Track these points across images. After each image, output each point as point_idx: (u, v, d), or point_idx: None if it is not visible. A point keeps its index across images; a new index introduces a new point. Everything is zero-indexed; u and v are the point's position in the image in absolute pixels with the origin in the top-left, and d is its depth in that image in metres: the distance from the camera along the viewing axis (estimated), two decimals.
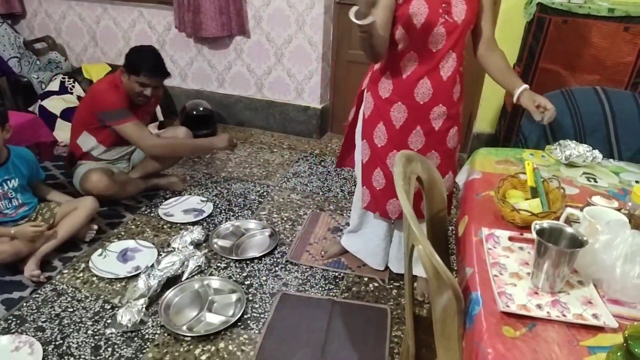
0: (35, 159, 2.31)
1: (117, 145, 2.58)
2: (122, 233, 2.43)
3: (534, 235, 0.99)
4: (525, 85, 1.63)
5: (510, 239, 1.12)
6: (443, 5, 1.55)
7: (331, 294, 2.08)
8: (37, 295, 1.99)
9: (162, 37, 3.75)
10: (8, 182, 2.11)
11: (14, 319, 1.86)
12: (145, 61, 2.35)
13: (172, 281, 2.05)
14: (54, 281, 2.07)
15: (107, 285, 2.06)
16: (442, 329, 0.99)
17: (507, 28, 2.99)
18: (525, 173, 1.33)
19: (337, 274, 2.21)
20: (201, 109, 3.58)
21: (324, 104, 3.65)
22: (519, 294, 0.95)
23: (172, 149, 2.60)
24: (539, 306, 0.92)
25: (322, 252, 2.31)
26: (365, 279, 2.18)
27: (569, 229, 0.99)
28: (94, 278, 2.09)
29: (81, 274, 2.12)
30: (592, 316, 0.90)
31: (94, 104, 2.44)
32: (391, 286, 2.14)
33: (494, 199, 1.22)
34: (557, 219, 1.12)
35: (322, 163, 3.31)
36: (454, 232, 2.44)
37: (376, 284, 2.15)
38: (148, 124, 2.74)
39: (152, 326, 1.85)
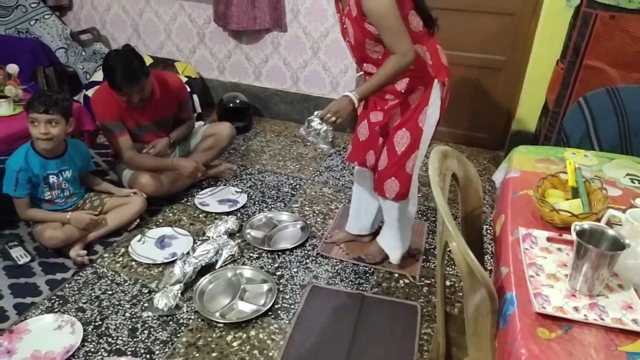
0: (89, 152, 2.41)
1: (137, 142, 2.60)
2: (160, 220, 2.50)
3: (573, 237, 0.97)
4: (350, 93, 1.72)
5: (549, 239, 1.10)
6: (344, 25, 1.78)
7: (361, 288, 2.09)
8: (79, 277, 2.08)
9: (202, 30, 3.82)
10: (63, 172, 2.22)
11: (57, 299, 1.95)
12: (110, 76, 2.29)
13: (206, 269, 2.11)
14: (94, 264, 2.16)
15: (145, 270, 2.13)
16: (475, 327, 0.98)
17: (551, 23, 2.90)
18: (566, 172, 1.30)
19: (367, 268, 2.21)
20: (237, 101, 3.63)
21: None
22: (555, 296, 0.93)
23: (147, 166, 2.54)
24: (575, 309, 0.90)
25: (329, 235, 2.38)
26: (396, 275, 2.18)
27: (610, 231, 0.96)
28: (133, 263, 2.17)
29: (121, 259, 2.20)
30: (632, 321, 0.88)
31: (94, 113, 2.51)
32: (422, 283, 2.13)
33: (533, 198, 1.19)
34: (598, 220, 1.09)
35: None
36: (488, 231, 2.39)
37: (407, 281, 2.15)
38: (172, 116, 2.72)
39: (187, 311, 1.91)
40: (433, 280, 2.15)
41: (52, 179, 2.18)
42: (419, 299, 2.04)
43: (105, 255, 2.22)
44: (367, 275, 2.17)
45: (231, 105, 3.61)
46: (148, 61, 3.70)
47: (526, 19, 3.07)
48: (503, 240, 1.12)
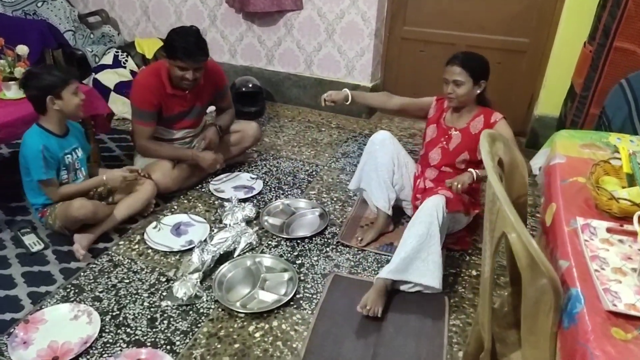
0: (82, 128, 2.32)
1: (165, 127, 2.52)
2: (175, 207, 2.43)
3: (636, 227, 0.89)
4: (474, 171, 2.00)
5: (609, 230, 1.02)
6: (448, 134, 2.15)
7: None
8: (94, 266, 2.01)
9: (213, 12, 3.71)
10: (76, 150, 2.14)
11: (72, 288, 1.89)
12: (180, 43, 2.22)
13: (224, 257, 2.04)
14: (110, 252, 2.10)
15: (161, 258, 2.07)
16: (532, 325, 0.91)
17: (577, 2, 2.78)
18: (618, 158, 1.21)
19: (389, 257, 2.13)
20: (250, 85, 3.55)
21: (374, 83, 3.54)
22: (625, 292, 0.85)
23: (162, 156, 2.47)
24: None
25: (359, 239, 2.21)
26: None
27: None
28: (149, 250, 2.11)
29: (137, 246, 2.14)
30: None
31: (131, 93, 2.42)
32: (446, 273, 2.06)
33: (588, 186, 1.11)
34: None
35: None
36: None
37: None
38: (208, 103, 2.65)
39: (207, 301, 1.84)
40: (458, 269, 2.08)
41: (68, 158, 2.10)
42: (445, 289, 1.97)
43: (121, 242, 2.16)
44: None
45: (243, 89, 3.53)
46: (158, 44, 3.62)
47: None
48: (558, 231, 1.04)
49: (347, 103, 2.32)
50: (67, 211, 2.04)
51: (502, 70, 3.25)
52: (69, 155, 2.10)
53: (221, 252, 2.03)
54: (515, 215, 0.84)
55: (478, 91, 2.04)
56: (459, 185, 1.91)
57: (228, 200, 2.39)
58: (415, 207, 2.07)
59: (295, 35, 3.56)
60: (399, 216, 2.37)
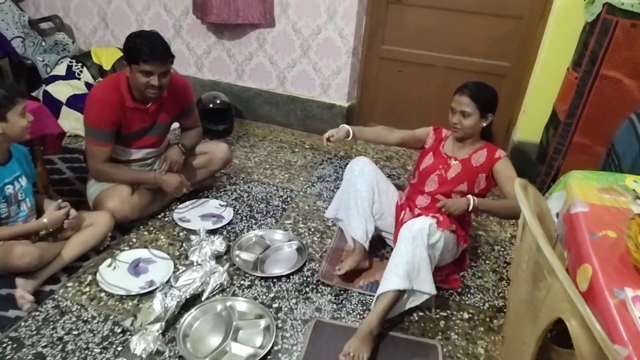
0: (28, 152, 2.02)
1: (122, 145, 2.25)
2: (134, 240, 2.16)
3: None
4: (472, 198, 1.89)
5: None
6: (447, 164, 2.04)
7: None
8: (37, 314, 1.72)
9: (178, 22, 3.47)
10: (19, 179, 1.85)
11: (10, 342, 1.60)
12: (145, 45, 2.00)
13: (190, 300, 1.80)
14: (56, 296, 1.81)
15: (117, 303, 1.80)
16: None
17: (560, 28, 2.72)
18: None
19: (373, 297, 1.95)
20: (218, 101, 3.31)
21: (350, 102, 3.39)
22: None
23: (120, 180, 2.21)
24: None
25: (337, 268, 2.02)
26: None
27: None
28: (102, 294, 1.83)
29: (87, 289, 1.86)
30: None
31: (86, 109, 2.13)
32: (438, 316, 1.89)
33: (630, 247, 0.96)
34: None
35: None
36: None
37: (421, 313, 1.90)
38: (172, 120, 2.38)
39: (170, 357, 1.59)
40: (449, 312, 1.92)
41: (9, 189, 1.80)
42: (436, 336, 1.80)
43: (69, 284, 1.87)
44: None
45: (211, 105, 3.29)
46: (117, 55, 3.33)
47: (534, 23, 2.90)
48: (601, 303, 0.88)
49: (348, 139, 2.12)
50: (7, 259, 1.73)
51: None
52: (9, 186, 1.80)
53: (187, 297, 1.78)
54: (581, 300, 0.67)
55: (484, 124, 1.96)
56: (449, 208, 1.85)
57: (195, 232, 2.15)
58: None
59: (267, 50, 3.36)
60: (380, 248, 2.21)
